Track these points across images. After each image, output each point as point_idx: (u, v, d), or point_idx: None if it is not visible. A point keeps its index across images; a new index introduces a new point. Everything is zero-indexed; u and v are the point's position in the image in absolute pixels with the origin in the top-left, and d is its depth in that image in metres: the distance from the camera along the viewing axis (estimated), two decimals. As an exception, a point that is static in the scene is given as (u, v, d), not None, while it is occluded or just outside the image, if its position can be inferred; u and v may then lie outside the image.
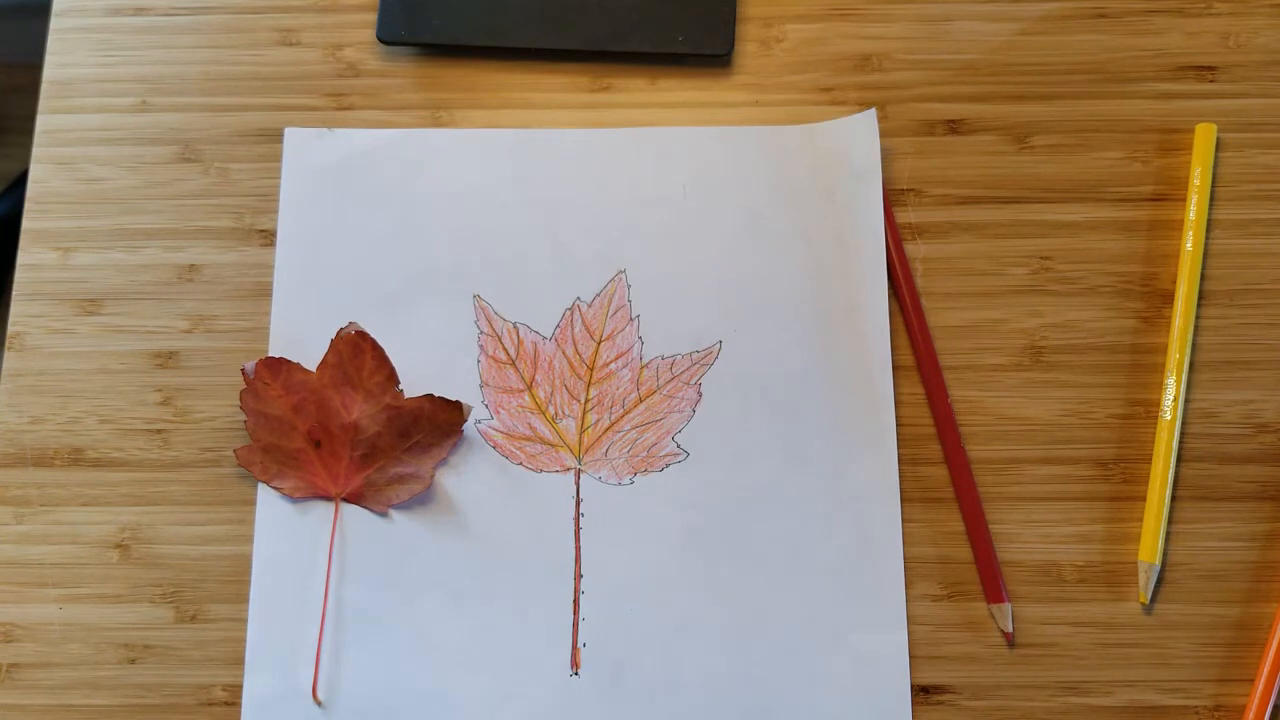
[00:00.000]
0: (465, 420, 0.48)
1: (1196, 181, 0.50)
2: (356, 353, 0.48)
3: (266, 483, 0.48)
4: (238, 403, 0.48)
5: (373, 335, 0.48)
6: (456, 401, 0.48)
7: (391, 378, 0.48)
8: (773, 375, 0.49)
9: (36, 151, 0.52)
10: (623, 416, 0.49)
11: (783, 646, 0.46)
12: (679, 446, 0.48)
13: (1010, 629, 0.46)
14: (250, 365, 0.48)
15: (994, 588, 0.46)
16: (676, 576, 0.47)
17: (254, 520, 0.48)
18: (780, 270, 0.50)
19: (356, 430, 0.48)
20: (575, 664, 0.46)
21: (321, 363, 0.48)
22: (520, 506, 0.48)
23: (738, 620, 0.46)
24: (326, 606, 0.47)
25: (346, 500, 0.48)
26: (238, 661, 0.46)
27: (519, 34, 0.52)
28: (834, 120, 0.51)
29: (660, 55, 0.53)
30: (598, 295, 0.50)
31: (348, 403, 0.48)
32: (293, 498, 0.48)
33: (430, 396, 0.47)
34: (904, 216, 0.51)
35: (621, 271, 0.50)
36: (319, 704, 0.46)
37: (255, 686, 0.46)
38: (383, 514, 0.48)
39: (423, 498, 0.48)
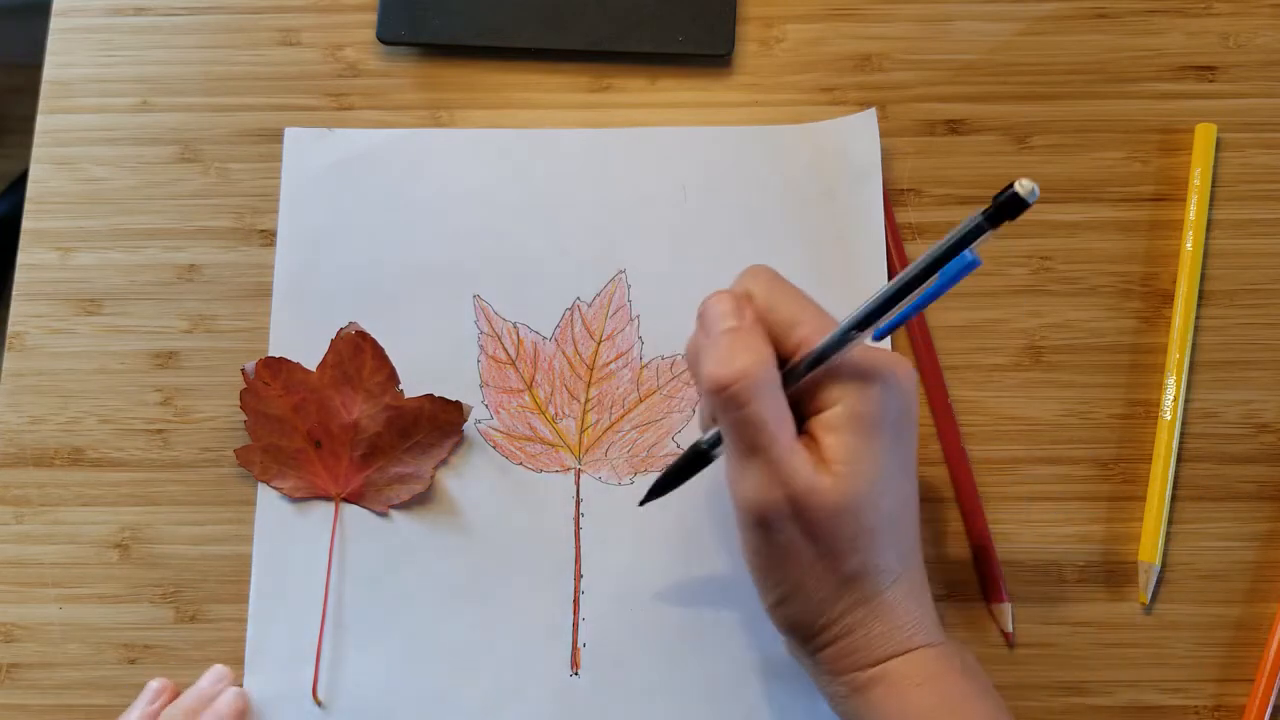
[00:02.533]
0: (465, 420, 0.48)
1: (1196, 181, 0.50)
2: (356, 353, 0.48)
3: (266, 483, 0.48)
4: (238, 403, 0.48)
5: (373, 335, 0.48)
6: (456, 401, 0.48)
7: (392, 378, 0.48)
8: (773, 375, 0.49)
9: (36, 151, 0.52)
10: (623, 417, 0.49)
11: (783, 646, 0.46)
12: (679, 446, 0.48)
13: (1010, 629, 0.46)
14: (250, 365, 0.48)
15: (994, 588, 0.46)
16: (676, 576, 0.47)
17: (254, 520, 0.48)
18: (780, 270, 0.50)
19: (356, 430, 0.48)
20: (575, 664, 0.46)
21: (321, 363, 0.48)
22: (520, 506, 0.48)
23: (738, 620, 0.46)
24: (326, 606, 0.47)
25: (346, 500, 0.48)
26: (238, 661, 0.46)
27: (519, 34, 0.52)
28: (834, 120, 0.51)
29: (660, 55, 0.53)
30: (598, 295, 0.50)
31: (348, 403, 0.48)
32: (293, 498, 0.48)
33: (430, 396, 0.47)
34: (904, 216, 0.51)
35: (621, 271, 0.50)
36: (319, 704, 0.46)
37: (255, 686, 0.46)
38: (383, 514, 0.48)
39: (423, 498, 0.48)
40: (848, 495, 0.37)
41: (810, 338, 0.38)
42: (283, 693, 0.46)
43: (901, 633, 0.38)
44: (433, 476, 0.48)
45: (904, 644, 0.38)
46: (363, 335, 0.48)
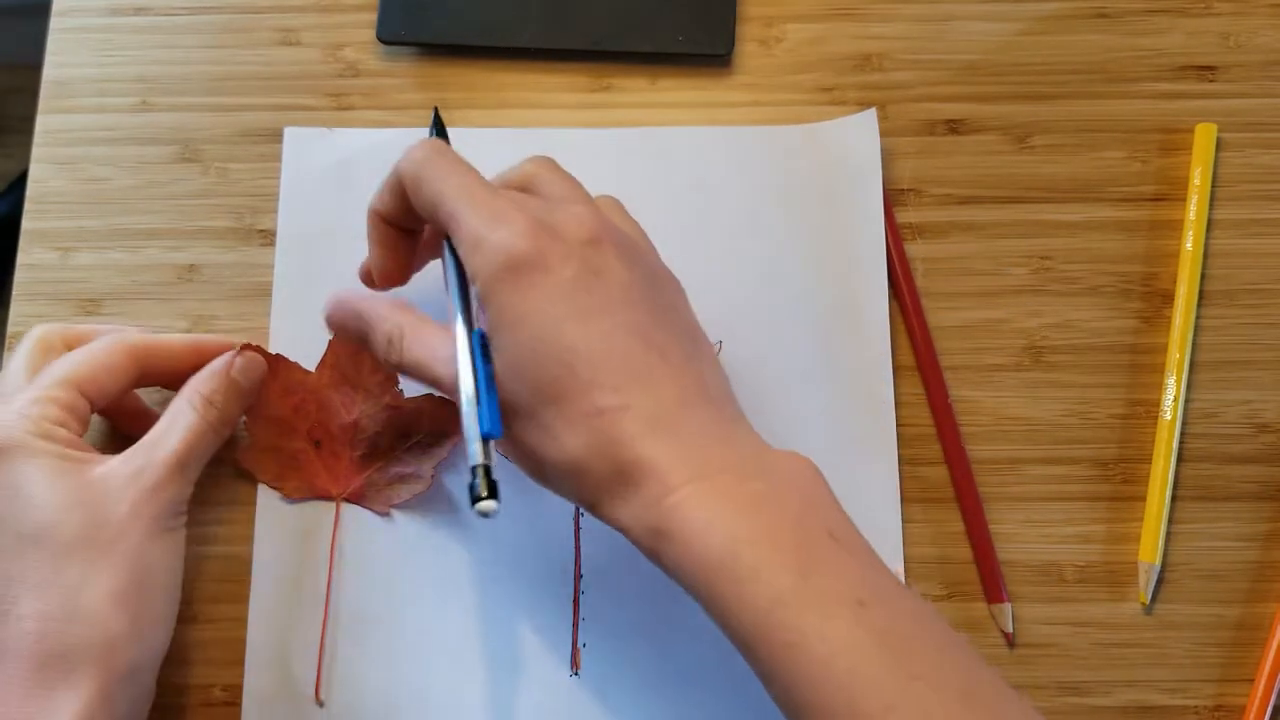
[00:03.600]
0: (465, 420, 0.48)
1: (1196, 181, 0.50)
2: (356, 353, 0.48)
3: (266, 483, 0.48)
4: (238, 403, 0.48)
5: (373, 335, 0.48)
6: (456, 401, 0.48)
7: (391, 377, 0.48)
8: (773, 375, 0.49)
9: (36, 151, 0.52)
10: (623, 416, 0.48)
11: None
12: (679, 446, 0.48)
13: (1010, 629, 0.46)
14: (250, 365, 0.48)
15: (994, 588, 0.46)
16: (676, 576, 0.47)
17: (254, 520, 0.48)
18: (780, 270, 0.50)
19: (356, 430, 0.48)
20: (575, 664, 0.46)
21: (321, 363, 0.48)
22: (520, 506, 0.48)
23: (738, 620, 0.46)
24: (327, 606, 0.47)
25: (347, 500, 0.48)
26: (238, 661, 0.46)
27: (519, 34, 0.52)
28: (834, 120, 0.51)
29: (660, 55, 0.53)
30: (598, 295, 0.50)
31: (348, 403, 0.48)
32: (293, 498, 0.48)
33: (430, 396, 0.47)
34: (904, 216, 0.51)
35: (621, 271, 0.50)
36: (319, 704, 0.46)
37: (255, 686, 0.46)
38: (383, 514, 0.48)
39: (423, 498, 0.48)
40: (511, 363, 0.38)
41: (449, 209, 0.40)
42: (283, 693, 0.46)
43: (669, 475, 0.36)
44: (433, 476, 0.48)
45: (677, 484, 0.35)
46: (363, 335, 0.48)
